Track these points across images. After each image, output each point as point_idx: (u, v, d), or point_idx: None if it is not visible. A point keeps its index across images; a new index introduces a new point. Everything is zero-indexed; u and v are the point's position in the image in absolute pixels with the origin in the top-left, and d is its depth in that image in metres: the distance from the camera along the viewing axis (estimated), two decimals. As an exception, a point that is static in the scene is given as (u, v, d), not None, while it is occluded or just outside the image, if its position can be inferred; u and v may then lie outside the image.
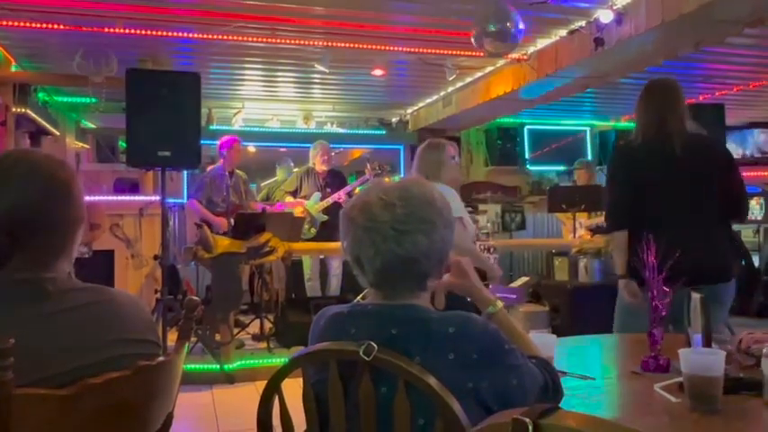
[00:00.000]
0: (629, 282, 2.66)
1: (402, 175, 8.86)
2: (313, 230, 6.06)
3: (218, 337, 4.85)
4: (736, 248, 2.79)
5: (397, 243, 1.24)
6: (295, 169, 7.62)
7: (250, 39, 5.28)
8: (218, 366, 4.59)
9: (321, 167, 6.23)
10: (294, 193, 6.25)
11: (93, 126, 7.98)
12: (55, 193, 1.23)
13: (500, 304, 1.51)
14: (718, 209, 2.67)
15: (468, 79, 6.85)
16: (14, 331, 1.07)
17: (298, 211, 5.99)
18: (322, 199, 6.13)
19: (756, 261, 6.89)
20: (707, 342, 1.71)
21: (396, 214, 1.24)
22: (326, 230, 5.92)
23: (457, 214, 3.10)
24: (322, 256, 6.25)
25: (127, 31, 5.00)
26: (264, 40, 5.30)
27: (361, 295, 1.46)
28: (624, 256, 2.66)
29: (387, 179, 8.92)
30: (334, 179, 6.29)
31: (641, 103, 2.82)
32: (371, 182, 5.71)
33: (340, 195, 6.06)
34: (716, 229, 2.66)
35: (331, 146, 6.55)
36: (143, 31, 5.03)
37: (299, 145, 8.85)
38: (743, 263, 2.99)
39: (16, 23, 4.84)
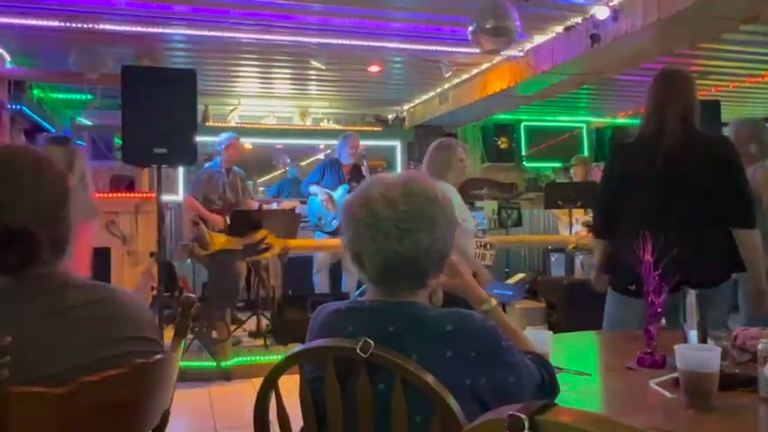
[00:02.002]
0: (599, 275, 2.77)
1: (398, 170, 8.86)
2: (335, 223, 5.91)
3: (214, 334, 4.85)
4: (729, 255, 2.50)
5: (399, 241, 1.23)
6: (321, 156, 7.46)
7: (246, 35, 5.27)
8: (214, 363, 4.59)
9: (348, 160, 6.11)
10: (317, 184, 6.11)
11: (88, 123, 7.95)
12: (65, 192, 1.25)
13: (494, 302, 1.51)
14: (719, 215, 2.49)
15: (465, 76, 6.86)
16: (17, 328, 1.08)
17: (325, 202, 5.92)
18: (349, 192, 6.02)
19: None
20: (702, 338, 1.72)
21: (399, 212, 1.24)
22: None
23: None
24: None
25: (122, 27, 4.98)
26: (260, 36, 5.30)
27: (359, 291, 1.46)
28: (602, 256, 2.76)
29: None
30: (355, 173, 6.15)
31: (647, 95, 2.66)
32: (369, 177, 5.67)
33: None
34: (707, 235, 2.46)
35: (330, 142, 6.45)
36: (138, 28, 5.02)
37: (295, 141, 8.87)
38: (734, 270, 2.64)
39: (11, 20, 4.82)
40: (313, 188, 6.05)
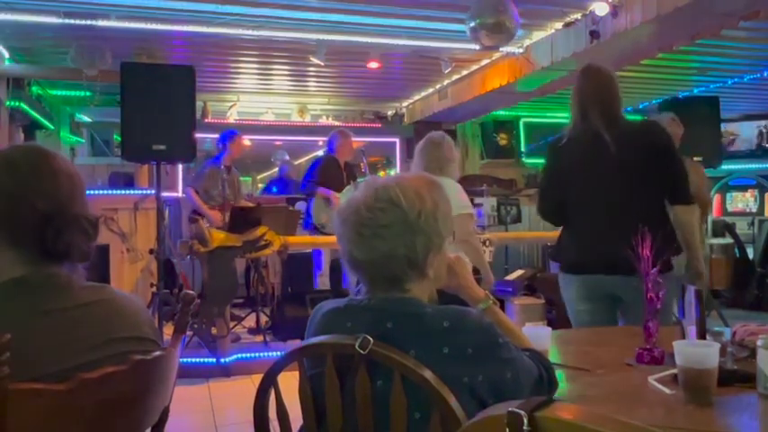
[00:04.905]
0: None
1: (397, 169, 8.87)
2: None
3: (214, 330, 4.85)
4: (670, 240, 2.48)
5: (357, 247, 1.27)
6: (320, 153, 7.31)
7: (245, 31, 5.27)
8: (214, 360, 4.59)
9: (346, 157, 5.94)
10: (322, 184, 5.88)
11: (87, 120, 7.95)
12: (76, 190, 1.25)
13: (490, 301, 1.51)
14: (656, 197, 2.54)
15: (464, 72, 6.85)
16: (20, 325, 1.09)
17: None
18: None
19: (750, 253, 6.92)
20: (701, 334, 1.72)
21: (360, 218, 1.27)
22: None
23: (466, 210, 3.21)
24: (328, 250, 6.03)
25: (121, 24, 4.98)
26: (259, 32, 5.29)
27: (358, 287, 1.46)
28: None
29: (382, 173, 8.88)
30: (349, 171, 6.02)
31: (571, 95, 2.73)
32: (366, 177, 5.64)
33: None
34: (646, 220, 2.34)
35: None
36: (137, 24, 5.01)
37: (294, 138, 8.87)
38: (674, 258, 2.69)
39: (10, 17, 4.81)
40: (322, 190, 5.86)
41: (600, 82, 2.66)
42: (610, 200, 2.57)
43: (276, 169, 10.55)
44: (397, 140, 8.91)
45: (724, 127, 7.56)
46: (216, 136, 6.10)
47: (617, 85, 2.68)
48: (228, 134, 5.92)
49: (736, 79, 7.05)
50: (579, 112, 2.67)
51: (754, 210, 8.10)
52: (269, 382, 1.30)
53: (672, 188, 2.58)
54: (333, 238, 5.41)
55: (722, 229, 7.06)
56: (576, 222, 2.70)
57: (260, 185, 10.61)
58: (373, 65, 6.38)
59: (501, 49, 5.46)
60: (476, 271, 2.88)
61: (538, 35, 5.60)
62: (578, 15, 5.04)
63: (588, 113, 2.62)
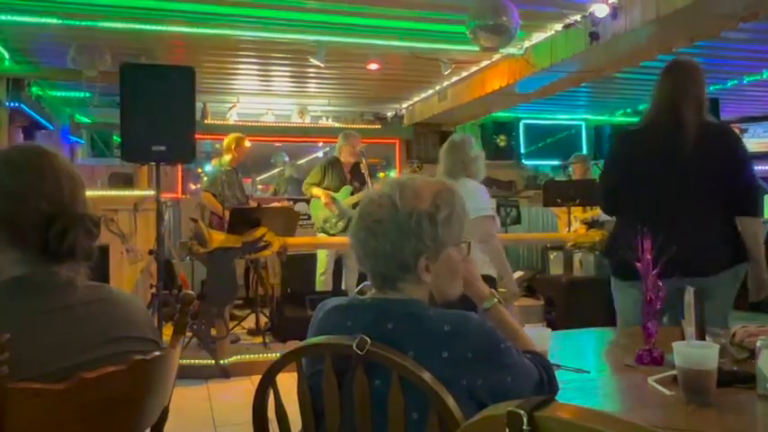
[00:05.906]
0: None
1: (396, 171, 8.87)
2: (341, 224, 5.75)
3: (213, 331, 4.85)
4: (738, 245, 2.56)
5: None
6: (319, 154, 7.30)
7: (245, 32, 5.27)
8: (213, 361, 4.59)
9: (348, 159, 5.96)
10: (319, 185, 5.93)
11: (87, 120, 7.96)
12: (78, 189, 1.25)
13: (495, 299, 1.50)
14: (724, 204, 2.54)
15: (464, 73, 6.85)
16: (20, 324, 1.09)
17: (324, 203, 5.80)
18: (353, 193, 5.82)
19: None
20: (701, 335, 1.72)
21: (362, 210, 1.32)
22: None
23: (484, 213, 3.21)
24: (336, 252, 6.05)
25: (121, 25, 4.98)
26: (259, 33, 5.29)
27: (358, 288, 1.47)
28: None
29: (381, 174, 8.88)
30: (356, 172, 6.02)
31: (657, 84, 2.67)
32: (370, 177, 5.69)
33: None
34: (713, 224, 2.52)
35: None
36: (137, 25, 5.01)
37: (294, 139, 8.88)
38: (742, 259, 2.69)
39: (9, 17, 4.82)
40: (315, 190, 5.90)
41: (696, 79, 2.61)
42: (687, 199, 2.52)
43: (276, 170, 10.57)
44: (396, 142, 8.91)
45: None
46: (216, 138, 6.11)
47: (705, 83, 2.66)
48: (234, 138, 5.99)
49: (735, 81, 7.05)
50: (669, 104, 2.59)
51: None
52: (268, 383, 1.30)
53: (741, 199, 2.56)
54: (332, 239, 5.41)
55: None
56: (643, 218, 2.45)
57: (259, 186, 10.61)
58: (373, 66, 6.38)
59: (501, 50, 5.46)
60: (488, 279, 2.84)
61: (537, 36, 5.60)
62: (578, 17, 5.04)
63: (681, 107, 2.55)
